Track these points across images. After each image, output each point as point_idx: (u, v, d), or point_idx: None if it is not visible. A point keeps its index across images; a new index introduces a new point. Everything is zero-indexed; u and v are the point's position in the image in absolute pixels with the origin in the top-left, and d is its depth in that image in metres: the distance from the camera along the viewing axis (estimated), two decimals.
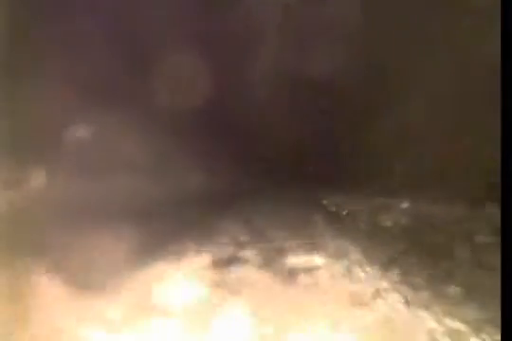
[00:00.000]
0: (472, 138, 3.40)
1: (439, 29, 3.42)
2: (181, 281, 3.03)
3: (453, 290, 2.83)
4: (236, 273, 3.09)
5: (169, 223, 3.47)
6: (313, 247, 3.28)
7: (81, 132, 3.89)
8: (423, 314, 2.69)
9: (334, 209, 3.73)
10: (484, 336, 2.49)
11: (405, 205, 3.62)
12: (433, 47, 3.48)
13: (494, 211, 3.27)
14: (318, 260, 3.17)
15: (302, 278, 3.02)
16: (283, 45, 3.92)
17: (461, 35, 3.33)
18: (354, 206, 3.71)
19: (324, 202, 3.79)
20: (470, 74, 3.33)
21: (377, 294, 2.86)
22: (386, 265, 3.08)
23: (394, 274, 3.01)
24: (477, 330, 2.52)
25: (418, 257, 3.10)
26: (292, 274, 3.05)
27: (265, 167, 3.92)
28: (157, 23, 3.85)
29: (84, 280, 2.95)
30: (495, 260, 2.64)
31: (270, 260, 3.18)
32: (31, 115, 3.65)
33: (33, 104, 3.68)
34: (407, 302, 2.78)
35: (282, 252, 3.25)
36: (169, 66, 3.77)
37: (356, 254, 3.20)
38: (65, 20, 3.81)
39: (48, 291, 2.88)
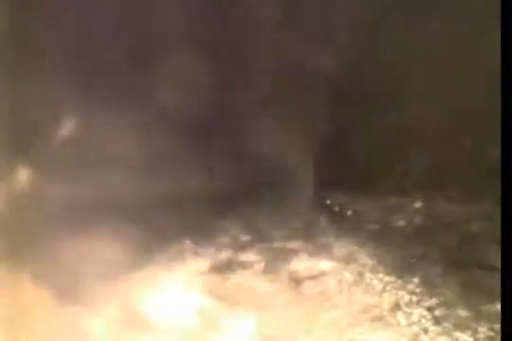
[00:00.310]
0: (472, 138, 3.42)
1: (439, 29, 3.43)
2: (175, 289, 2.78)
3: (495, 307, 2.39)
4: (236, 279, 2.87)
5: (167, 222, 3.43)
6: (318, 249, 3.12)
7: (78, 130, 3.88)
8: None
9: (337, 209, 3.69)
10: None
11: (410, 204, 3.62)
12: (433, 47, 3.49)
13: None
14: (324, 264, 2.94)
15: (308, 285, 2.79)
16: (284, 45, 3.92)
17: (461, 35, 3.34)
18: (358, 205, 3.66)
19: (327, 201, 3.79)
20: (470, 74, 3.34)
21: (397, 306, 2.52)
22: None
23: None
24: None
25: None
26: (296, 280, 2.84)
27: (266, 166, 3.93)
28: (158, 23, 3.86)
29: (70, 285, 2.70)
30: None
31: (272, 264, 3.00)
32: (31, 113, 3.64)
33: (33, 103, 3.68)
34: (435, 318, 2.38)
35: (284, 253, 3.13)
36: (169, 65, 3.77)
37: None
38: (67, 20, 3.82)
39: (31, 294, 2.63)
